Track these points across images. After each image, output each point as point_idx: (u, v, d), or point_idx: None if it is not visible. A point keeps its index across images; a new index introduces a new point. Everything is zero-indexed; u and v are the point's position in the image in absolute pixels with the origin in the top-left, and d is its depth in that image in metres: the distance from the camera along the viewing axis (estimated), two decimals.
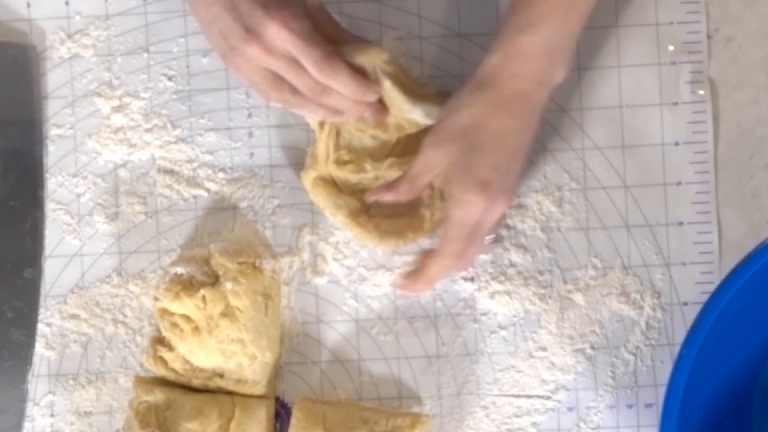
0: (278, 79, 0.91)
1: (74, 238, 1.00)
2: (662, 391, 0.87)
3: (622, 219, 0.99)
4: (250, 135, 1.00)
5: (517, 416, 0.99)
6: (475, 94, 0.91)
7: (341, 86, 0.92)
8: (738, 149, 1.00)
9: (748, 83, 1.00)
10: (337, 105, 0.93)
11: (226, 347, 0.95)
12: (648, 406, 0.99)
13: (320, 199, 0.97)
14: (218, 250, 0.96)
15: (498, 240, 0.98)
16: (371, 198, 0.96)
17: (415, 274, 0.96)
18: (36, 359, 0.99)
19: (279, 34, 0.89)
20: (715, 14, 1.00)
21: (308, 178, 0.97)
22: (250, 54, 0.90)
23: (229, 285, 0.94)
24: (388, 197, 0.95)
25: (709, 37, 1.00)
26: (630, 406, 1.00)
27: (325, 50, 0.91)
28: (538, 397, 0.99)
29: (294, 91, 0.92)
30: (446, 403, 0.99)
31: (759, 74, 1.00)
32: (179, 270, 0.95)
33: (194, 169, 1.00)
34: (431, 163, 0.93)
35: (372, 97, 0.94)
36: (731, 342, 0.91)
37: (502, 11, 0.99)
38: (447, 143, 0.92)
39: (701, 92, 0.99)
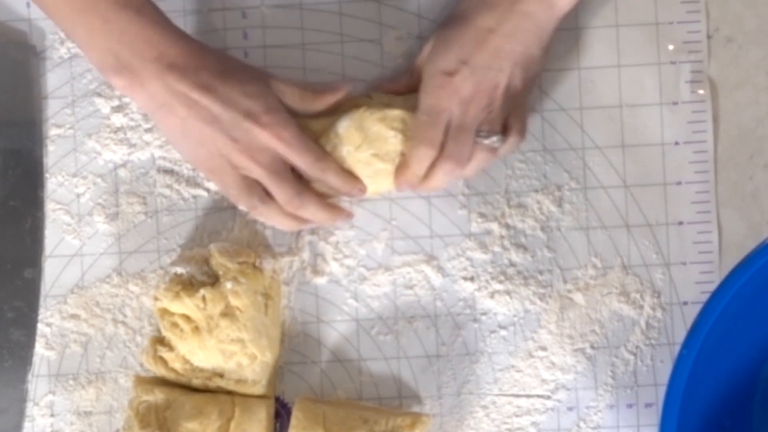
0: (251, 185, 0.93)
1: (74, 238, 1.00)
2: (662, 391, 0.87)
3: (622, 219, 0.99)
4: None
5: (517, 416, 0.99)
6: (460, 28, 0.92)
7: (332, 183, 0.94)
8: (738, 149, 1.00)
9: (748, 83, 1.00)
10: (313, 217, 0.95)
11: (226, 347, 0.94)
12: (648, 405, 0.99)
13: None
14: (218, 250, 0.96)
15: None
16: (401, 186, 0.95)
17: (400, 168, 0.94)
18: (36, 359, 0.99)
19: (269, 144, 0.91)
20: (715, 14, 1.00)
21: None
22: (234, 161, 0.91)
23: (229, 285, 0.94)
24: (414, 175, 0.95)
25: (709, 37, 1.00)
26: (630, 406, 1.00)
27: (317, 153, 0.92)
28: (538, 396, 0.99)
29: (264, 199, 0.93)
30: (446, 403, 0.99)
31: (759, 74, 1.00)
32: (179, 270, 0.95)
33: (194, 169, 1.00)
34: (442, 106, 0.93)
35: (359, 194, 0.95)
36: (731, 342, 0.91)
37: None
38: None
39: (701, 92, 0.99)
